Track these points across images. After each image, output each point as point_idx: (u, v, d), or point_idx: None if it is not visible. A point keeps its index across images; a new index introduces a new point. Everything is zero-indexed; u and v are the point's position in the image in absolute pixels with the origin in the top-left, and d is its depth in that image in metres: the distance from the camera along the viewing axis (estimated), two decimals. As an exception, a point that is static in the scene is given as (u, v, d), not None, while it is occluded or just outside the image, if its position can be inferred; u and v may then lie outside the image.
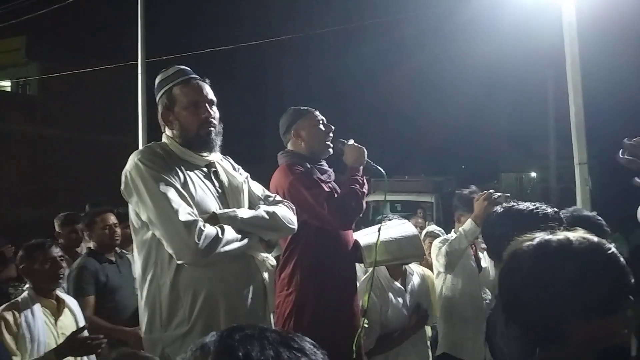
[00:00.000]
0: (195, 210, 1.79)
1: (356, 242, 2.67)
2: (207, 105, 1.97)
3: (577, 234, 1.19)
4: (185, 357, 0.72)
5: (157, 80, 2.01)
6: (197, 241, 1.70)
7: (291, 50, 20.87)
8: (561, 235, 1.19)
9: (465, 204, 3.42)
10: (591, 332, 1.11)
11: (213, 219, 1.83)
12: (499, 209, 1.89)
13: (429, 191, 11.12)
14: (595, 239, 1.18)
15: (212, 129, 1.97)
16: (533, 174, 31.81)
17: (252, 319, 1.86)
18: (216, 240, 1.75)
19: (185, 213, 1.75)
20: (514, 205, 1.84)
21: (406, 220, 2.99)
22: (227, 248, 1.78)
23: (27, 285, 2.59)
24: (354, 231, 2.80)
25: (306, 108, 2.65)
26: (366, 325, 2.58)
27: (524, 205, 1.82)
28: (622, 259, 1.15)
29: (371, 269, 2.84)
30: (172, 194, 1.77)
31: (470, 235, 3.02)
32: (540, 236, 1.20)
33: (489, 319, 1.96)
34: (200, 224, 1.74)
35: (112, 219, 3.52)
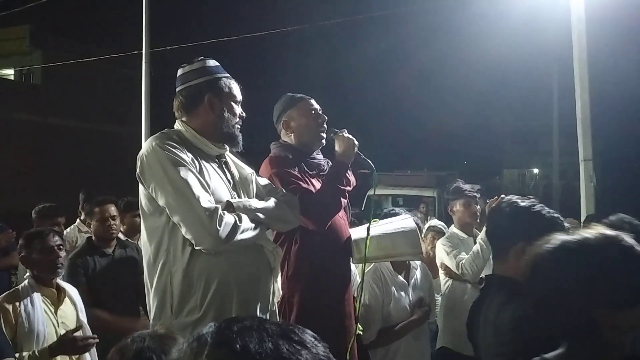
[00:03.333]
0: (212, 198, 1.83)
1: (350, 237, 2.57)
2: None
3: (593, 231, 1.26)
4: (182, 348, 0.70)
5: (198, 66, 2.01)
6: (218, 228, 1.75)
7: (296, 43, 20.80)
8: (578, 234, 1.27)
9: (453, 193, 3.59)
10: (618, 323, 1.16)
11: (229, 207, 1.85)
12: (503, 205, 1.88)
13: (432, 186, 11.06)
14: (612, 233, 1.25)
15: (239, 127, 2.06)
16: (535, 171, 31.74)
17: (262, 307, 1.91)
18: (235, 228, 1.80)
19: (206, 200, 1.78)
20: (518, 203, 1.85)
21: (408, 215, 2.90)
22: (243, 236, 1.83)
23: (27, 274, 2.57)
24: (356, 226, 2.74)
25: (300, 96, 2.53)
26: (360, 332, 2.50)
27: (526, 203, 1.83)
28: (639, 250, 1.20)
29: (367, 265, 2.77)
30: (192, 180, 1.80)
31: None
32: (558, 237, 1.28)
33: (472, 308, 1.95)
34: (221, 211, 1.78)
35: (112, 210, 3.43)
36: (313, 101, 2.52)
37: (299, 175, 2.36)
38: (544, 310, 1.26)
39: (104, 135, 17.47)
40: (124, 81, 16.36)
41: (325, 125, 2.49)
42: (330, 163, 2.51)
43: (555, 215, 1.79)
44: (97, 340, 2.45)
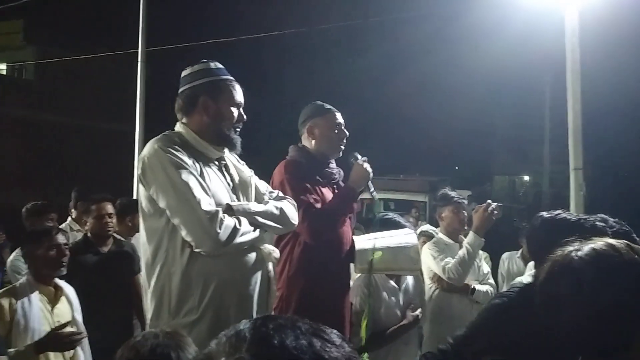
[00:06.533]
0: (212, 201, 1.84)
1: (353, 244, 2.64)
2: (241, 109, 2.09)
3: (620, 242, 1.15)
4: (220, 341, 0.72)
5: (198, 68, 2.03)
6: (218, 231, 1.77)
7: (293, 46, 20.81)
8: (606, 244, 1.13)
9: (441, 200, 3.65)
10: None
11: (229, 210, 1.88)
12: (545, 215, 1.92)
13: (423, 191, 11.17)
14: None
15: (238, 129, 2.08)
16: (526, 178, 31.97)
17: (258, 308, 1.94)
18: (235, 230, 1.82)
19: (206, 203, 1.80)
20: (560, 214, 1.89)
21: (412, 230, 2.94)
22: (242, 239, 1.85)
23: (25, 272, 2.57)
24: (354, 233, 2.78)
25: (329, 107, 2.63)
26: None
27: (571, 215, 1.88)
28: None
29: (362, 274, 2.81)
30: (193, 183, 1.82)
31: (477, 247, 3.14)
32: (588, 244, 1.15)
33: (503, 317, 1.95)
34: (221, 214, 1.80)
35: (108, 208, 3.49)
36: (339, 115, 2.61)
37: (310, 188, 2.42)
38: (561, 321, 1.12)
39: (97, 133, 17.34)
40: (119, 79, 16.27)
41: (345, 141, 2.59)
42: (342, 172, 2.61)
43: (596, 222, 1.79)
44: (84, 336, 2.44)
